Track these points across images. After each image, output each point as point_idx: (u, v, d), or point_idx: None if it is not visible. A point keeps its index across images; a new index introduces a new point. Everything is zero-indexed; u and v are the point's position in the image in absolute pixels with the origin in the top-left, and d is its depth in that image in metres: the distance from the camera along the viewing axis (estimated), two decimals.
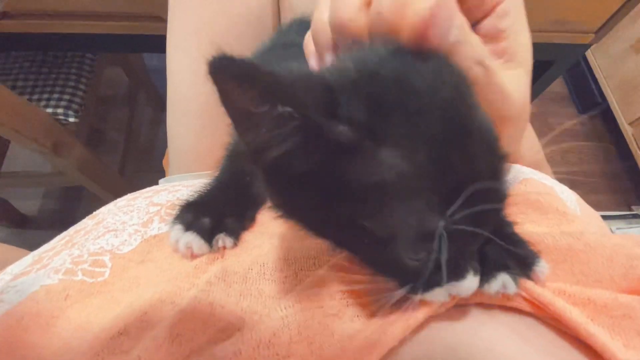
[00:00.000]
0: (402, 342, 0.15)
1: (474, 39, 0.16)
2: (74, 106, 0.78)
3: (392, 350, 0.15)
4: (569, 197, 0.22)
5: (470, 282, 0.16)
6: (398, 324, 0.16)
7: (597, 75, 1.38)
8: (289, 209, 0.17)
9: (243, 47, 0.39)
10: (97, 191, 0.92)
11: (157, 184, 0.46)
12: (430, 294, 0.16)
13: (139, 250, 0.19)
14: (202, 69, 0.42)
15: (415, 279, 0.16)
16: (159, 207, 0.22)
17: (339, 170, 0.15)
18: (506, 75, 0.17)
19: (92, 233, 0.20)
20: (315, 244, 0.19)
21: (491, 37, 0.17)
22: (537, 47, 0.75)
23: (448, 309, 0.17)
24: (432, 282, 0.16)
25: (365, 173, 0.14)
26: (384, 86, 0.15)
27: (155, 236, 0.20)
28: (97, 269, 0.18)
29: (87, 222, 0.22)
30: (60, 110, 0.76)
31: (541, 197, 0.20)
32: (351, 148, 0.14)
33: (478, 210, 0.14)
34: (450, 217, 0.14)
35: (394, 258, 0.15)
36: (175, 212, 0.20)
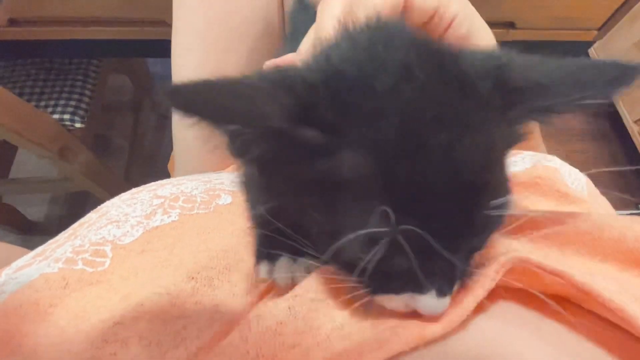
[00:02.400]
0: (414, 349, 0.15)
1: None
2: (80, 112, 0.79)
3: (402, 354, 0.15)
4: (576, 180, 0.22)
5: (431, 301, 0.15)
6: (412, 329, 0.15)
7: None
8: (270, 192, 0.17)
9: (248, 47, 0.39)
10: (103, 196, 0.93)
11: None
12: (384, 299, 0.16)
13: (140, 241, 0.19)
14: (208, 71, 0.42)
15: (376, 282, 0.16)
16: (162, 200, 0.22)
17: (302, 162, 0.15)
18: None
19: (95, 225, 0.20)
20: None
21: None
22: (540, 45, 0.74)
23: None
24: (390, 288, 0.16)
25: (327, 170, 0.15)
26: (348, 84, 0.15)
27: (157, 227, 0.20)
28: (98, 259, 0.18)
29: (91, 216, 0.22)
30: (66, 116, 0.77)
31: (540, 180, 0.20)
32: (319, 148, 0.14)
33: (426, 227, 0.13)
34: (395, 227, 0.14)
35: (339, 255, 0.15)
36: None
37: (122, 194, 0.24)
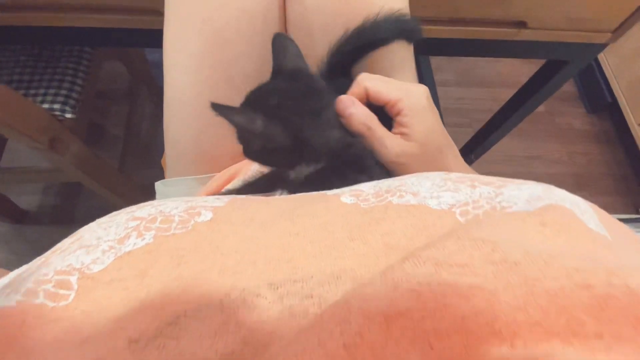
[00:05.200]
0: None
1: (364, 113, 0.31)
2: (71, 102, 0.76)
3: None
4: (586, 213, 0.19)
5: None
6: None
7: (607, 75, 1.35)
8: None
9: (246, 41, 0.37)
10: (95, 188, 0.91)
11: (158, 179, 0.44)
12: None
13: (110, 269, 0.17)
14: (200, 67, 0.40)
15: None
16: (138, 222, 0.20)
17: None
18: (391, 138, 0.31)
19: (67, 251, 0.18)
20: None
21: (399, 124, 0.31)
22: (551, 47, 0.72)
23: None
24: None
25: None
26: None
27: (129, 253, 0.18)
28: (62, 291, 0.16)
29: (65, 242, 0.20)
30: (56, 106, 0.74)
31: (573, 222, 0.17)
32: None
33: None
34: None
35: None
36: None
37: (101, 218, 0.21)
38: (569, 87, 1.51)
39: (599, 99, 1.42)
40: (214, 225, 0.20)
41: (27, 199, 1.16)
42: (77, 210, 1.20)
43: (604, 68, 1.36)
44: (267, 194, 0.33)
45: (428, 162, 0.31)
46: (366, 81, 0.31)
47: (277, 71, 0.33)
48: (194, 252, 0.18)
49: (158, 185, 0.43)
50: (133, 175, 1.18)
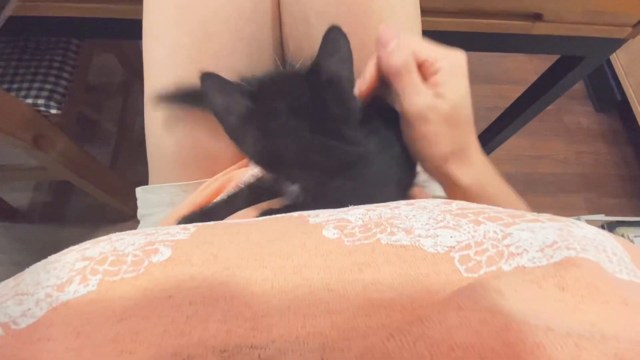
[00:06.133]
0: None
1: (408, 52, 0.28)
2: (57, 96, 0.72)
3: None
4: (614, 257, 0.15)
5: None
6: None
7: (617, 72, 1.30)
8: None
9: (232, 33, 0.33)
10: (84, 186, 0.87)
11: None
12: None
13: (40, 324, 0.14)
14: (182, 62, 0.36)
15: None
16: (86, 263, 0.16)
17: None
18: (425, 88, 0.28)
19: (3, 298, 0.15)
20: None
21: (434, 84, 0.28)
22: (567, 41, 0.67)
23: None
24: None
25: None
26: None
27: (66, 303, 0.15)
28: None
29: (8, 283, 0.17)
30: (41, 101, 0.70)
31: (600, 282, 0.14)
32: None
33: None
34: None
35: None
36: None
37: (52, 255, 0.18)
38: (577, 84, 1.46)
39: (608, 97, 1.38)
40: (170, 267, 0.16)
41: (17, 196, 1.13)
42: (69, 208, 1.17)
43: (614, 65, 1.32)
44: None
45: (453, 128, 0.29)
46: (404, 39, 0.29)
47: (315, 68, 0.29)
48: (139, 304, 0.14)
49: (139, 191, 0.40)
50: (127, 171, 1.15)
